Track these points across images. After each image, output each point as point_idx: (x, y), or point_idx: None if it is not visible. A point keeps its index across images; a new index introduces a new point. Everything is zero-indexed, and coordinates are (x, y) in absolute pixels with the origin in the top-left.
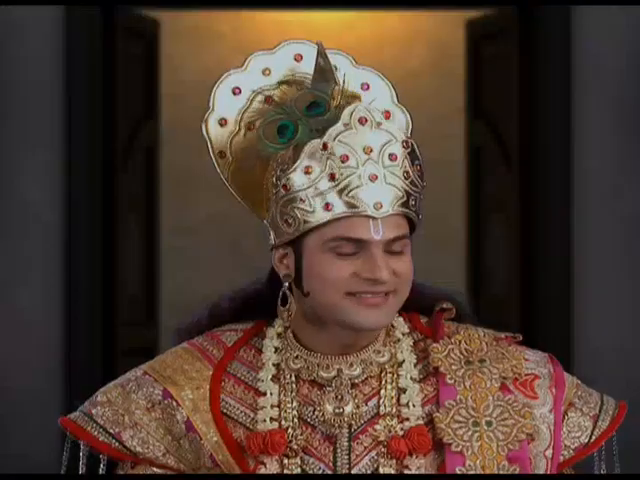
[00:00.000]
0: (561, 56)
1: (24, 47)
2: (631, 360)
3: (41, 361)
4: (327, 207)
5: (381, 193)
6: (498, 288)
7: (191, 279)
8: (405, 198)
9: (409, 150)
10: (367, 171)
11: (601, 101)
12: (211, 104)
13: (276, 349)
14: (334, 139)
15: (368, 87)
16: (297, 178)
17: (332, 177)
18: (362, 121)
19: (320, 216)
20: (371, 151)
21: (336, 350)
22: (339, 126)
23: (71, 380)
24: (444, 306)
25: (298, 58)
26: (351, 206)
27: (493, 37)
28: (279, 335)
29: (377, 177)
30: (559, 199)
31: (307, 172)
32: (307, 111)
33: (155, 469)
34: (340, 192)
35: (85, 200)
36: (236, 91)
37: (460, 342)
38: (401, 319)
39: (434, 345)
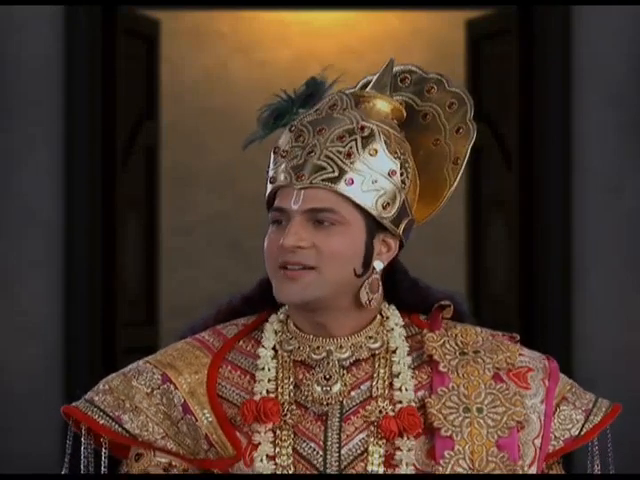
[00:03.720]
0: (561, 56)
1: (24, 47)
2: (631, 360)
3: (41, 361)
4: (271, 180)
5: (309, 167)
6: (498, 288)
7: (191, 279)
8: (336, 175)
9: (364, 135)
10: (308, 147)
11: (601, 101)
12: None
13: (276, 332)
14: (300, 121)
15: (453, 106)
16: (270, 157)
17: (282, 154)
18: (332, 107)
19: (268, 190)
20: (322, 130)
21: (318, 332)
22: (311, 111)
23: (71, 380)
24: (443, 303)
25: (402, 80)
26: (282, 179)
27: (493, 37)
28: (280, 320)
29: (313, 152)
30: (559, 199)
31: (274, 152)
32: (302, 102)
33: (159, 458)
34: (282, 166)
35: (85, 200)
36: None
37: (456, 335)
38: (397, 312)
39: (429, 334)
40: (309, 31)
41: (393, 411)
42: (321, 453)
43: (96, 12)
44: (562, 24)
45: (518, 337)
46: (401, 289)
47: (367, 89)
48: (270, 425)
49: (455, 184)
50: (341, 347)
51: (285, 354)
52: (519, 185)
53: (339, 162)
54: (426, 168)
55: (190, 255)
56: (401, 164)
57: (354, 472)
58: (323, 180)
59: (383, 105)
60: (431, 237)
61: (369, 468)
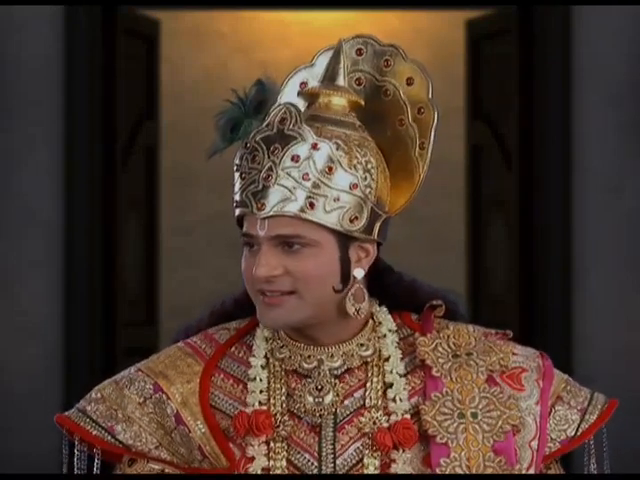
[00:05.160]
0: (561, 56)
1: (24, 47)
2: (631, 360)
3: (41, 361)
4: (236, 204)
5: (268, 194)
6: (498, 288)
7: (191, 279)
8: (296, 200)
9: (319, 153)
10: (264, 171)
11: (600, 100)
12: (279, 98)
13: (266, 339)
14: (253, 138)
15: (412, 82)
16: (234, 175)
17: (242, 175)
18: (282, 121)
19: (236, 213)
20: (275, 150)
21: (308, 341)
22: (262, 126)
23: (71, 380)
24: (434, 303)
25: (359, 53)
26: (244, 205)
27: (493, 37)
28: None
29: (270, 177)
30: (559, 199)
31: (236, 170)
32: (254, 110)
33: (152, 465)
34: (243, 190)
35: (85, 200)
36: (302, 86)
37: (448, 337)
38: (389, 316)
39: (421, 338)
40: (309, 31)
41: (387, 422)
42: (316, 464)
43: (96, 12)
44: (562, 24)
45: (511, 334)
46: (388, 284)
47: (319, 83)
48: (263, 438)
49: (425, 170)
50: (332, 356)
51: (277, 363)
52: (519, 185)
53: (297, 186)
54: (395, 152)
55: (190, 255)
56: (363, 169)
57: None
58: (283, 208)
59: (338, 100)
60: (431, 237)
61: None
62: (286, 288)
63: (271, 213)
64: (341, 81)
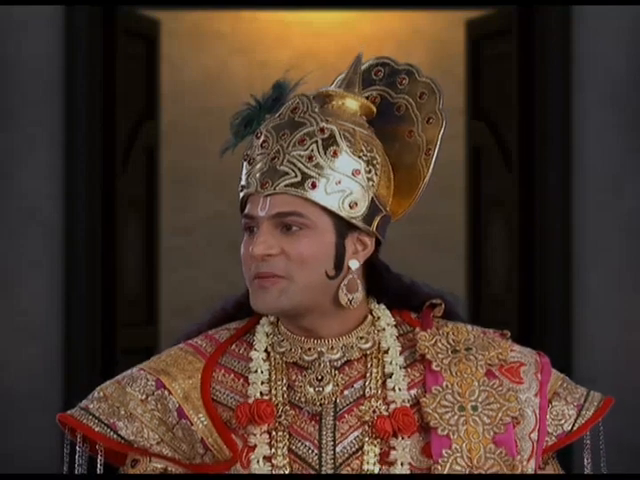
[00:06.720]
0: (561, 56)
1: (24, 47)
2: (631, 360)
3: (41, 361)
4: (241, 188)
5: (272, 173)
6: (498, 288)
7: (191, 279)
8: (299, 179)
9: (324, 136)
10: (272, 154)
11: (600, 100)
12: None
13: (267, 334)
14: (265, 127)
15: (424, 96)
16: (242, 165)
17: (250, 162)
18: (293, 110)
19: (239, 197)
20: (284, 135)
21: (307, 334)
22: (275, 116)
23: (71, 380)
24: (434, 302)
25: (376, 74)
26: (249, 186)
27: (493, 37)
28: (271, 322)
29: (277, 159)
30: (559, 199)
31: (244, 159)
32: (269, 107)
33: (155, 464)
34: (249, 174)
35: (85, 200)
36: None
37: (448, 334)
38: (388, 312)
39: (421, 333)
40: (309, 31)
41: (387, 411)
42: (316, 452)
43: (96, 12)
44: (562, 24)
45: (509, 334)
46: (386, 285)
47: (335, 87)
48: (265, 427)
49: (429, 175)
50: (332, 348)
51: (277, 356)
52: (519, 185)
53: (301, 166)
54: (402, 161)
55: (190, 255)
56: (367, 162)
57: (349, 470)
58: (286, 186)
59: (351, 103)
60: (431, 237)
61: (365, 467)
62: (279, 271)
63: (273, 190)
64: (356, 89)
